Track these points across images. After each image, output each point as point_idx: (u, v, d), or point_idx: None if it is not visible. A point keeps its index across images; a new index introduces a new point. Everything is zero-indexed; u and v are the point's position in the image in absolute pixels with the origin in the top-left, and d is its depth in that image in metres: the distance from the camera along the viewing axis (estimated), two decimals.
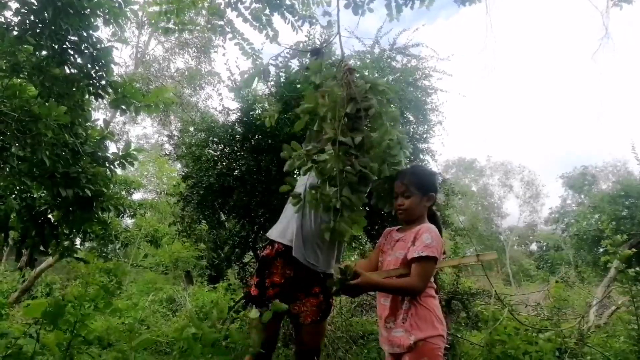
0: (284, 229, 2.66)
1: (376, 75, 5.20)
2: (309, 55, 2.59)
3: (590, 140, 54.13)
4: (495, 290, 6.33)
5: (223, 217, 5.66)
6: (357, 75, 1.23)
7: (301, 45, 5.14)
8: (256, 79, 2.46)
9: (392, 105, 1.26)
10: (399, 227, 2.22)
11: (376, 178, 1.32)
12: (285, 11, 3.35)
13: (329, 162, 1.16)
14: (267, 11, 3.36)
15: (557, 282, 10.59)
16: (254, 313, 2.03)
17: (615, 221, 6.51)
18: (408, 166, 2.07)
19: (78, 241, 3.77)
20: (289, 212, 2.68)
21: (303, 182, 2.51)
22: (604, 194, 10.13)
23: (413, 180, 2.06)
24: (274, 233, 2.71)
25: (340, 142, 1.15)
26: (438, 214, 2.26)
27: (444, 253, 2.11)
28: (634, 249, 5.85)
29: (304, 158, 1.19)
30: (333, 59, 2.97)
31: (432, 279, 2.02)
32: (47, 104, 2.87)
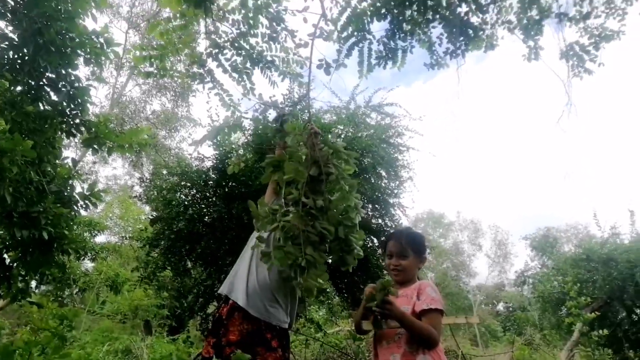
0: (237, 284, 2.61)
1: (351, 131, 5.34)
2: (272, 120, 2.64)
3: (555, 202, 55.83)
4: (462, 351, 6.27)
5: (189, 265, 5.50)
6: (321, 138, 1.30)
7: (282, 97, 5.28)
8: (226, 130, 2.50)
9: (351, 171, 1.34)
10: None
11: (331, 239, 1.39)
12: (265, 67, 3.44)
13: (293, 221, 1.21)
14: (248, 64, 3.44)
15: (522, 344, 10.58)
16: None
17: (577, 284, 6.63)
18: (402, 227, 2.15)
19: (34, 284, 3.57)
20: (242, 267, 2.65)
21: (255, 236, 2.48)
22: (567, 256, 10.37)
23: (410, 242, 2.18)
24: (226, 289, 2.64)
25: (303, 204, 1.22)
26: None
27: None
28: (595, 312, 5.94)
29: (270, 217, 1.24)
30: (309, 113, 3.03)
31: None
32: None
